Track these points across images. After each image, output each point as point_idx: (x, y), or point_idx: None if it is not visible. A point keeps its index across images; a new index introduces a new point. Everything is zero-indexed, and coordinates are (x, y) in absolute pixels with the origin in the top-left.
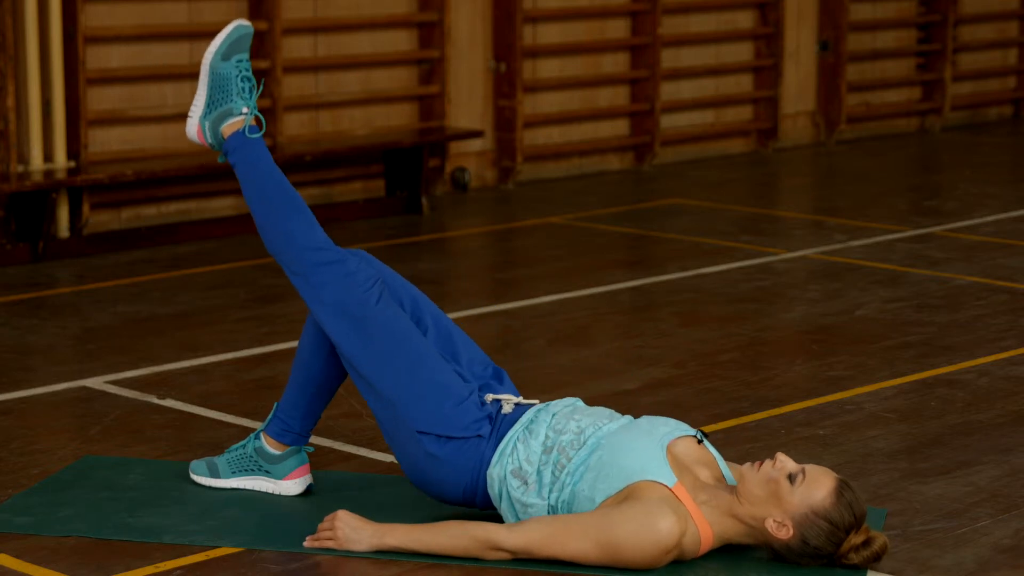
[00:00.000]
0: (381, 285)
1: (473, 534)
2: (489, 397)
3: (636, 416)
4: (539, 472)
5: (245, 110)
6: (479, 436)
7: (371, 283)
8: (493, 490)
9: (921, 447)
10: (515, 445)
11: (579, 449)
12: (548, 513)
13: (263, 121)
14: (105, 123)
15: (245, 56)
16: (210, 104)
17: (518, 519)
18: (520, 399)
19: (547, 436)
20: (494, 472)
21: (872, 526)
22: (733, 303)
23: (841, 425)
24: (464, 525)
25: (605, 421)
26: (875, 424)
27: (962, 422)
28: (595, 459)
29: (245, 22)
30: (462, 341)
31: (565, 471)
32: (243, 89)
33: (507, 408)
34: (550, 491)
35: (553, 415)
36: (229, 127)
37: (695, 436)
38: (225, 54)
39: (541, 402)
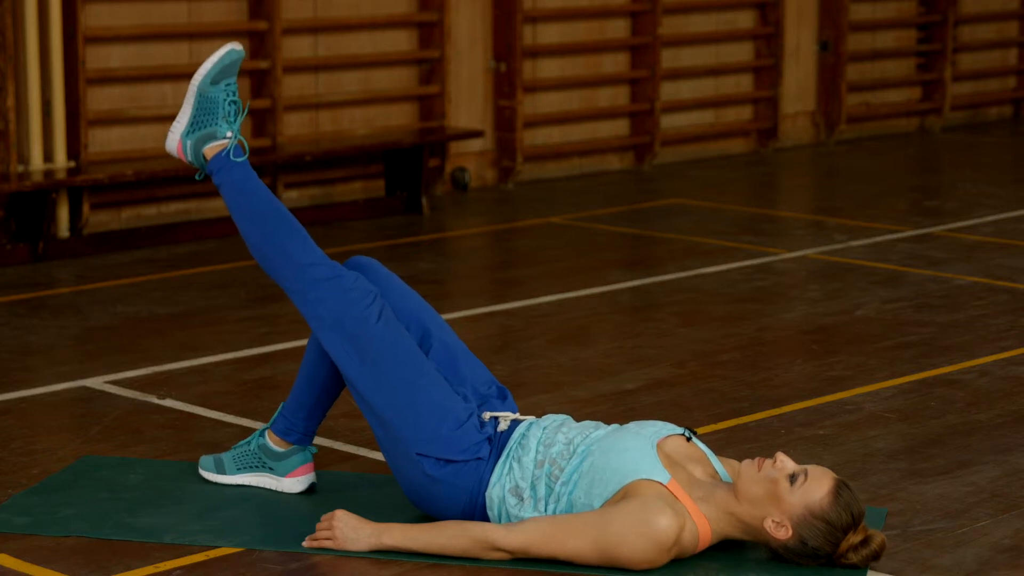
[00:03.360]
0: (381, 301)
1: (471, 534)
2: (487, 415)
3: (628, 421)
4: (533, 487)
5: (229, 134)
6: (479, 459)
7: (370, 299)
8: (492, 511)
9: (921, 447)
10: (511, 465)
11: (570, 458)
12: None
13: (247, 146)
14: (105, 123)
15: (233, 80)
16: (194, 124)
17: None
18: (517, 415)
19: (538, 451)
20: (493, 493)
21: (872, 526)
22: (733, 303)
23: (841, 425)
24: (463, 525)
25: (592, 430)
26: (875, 424)
27: (962, 422)
28: (587, 465)
29: (238, 46)
30: (466, 360)
31: (559, 482)
32: (229, 113)
33: (503, 425)
34: (546, 504)
35: (544, 429)
36: (211, 149)
37: (683, 434)
38: (215, 78)
39: (537, 416)
